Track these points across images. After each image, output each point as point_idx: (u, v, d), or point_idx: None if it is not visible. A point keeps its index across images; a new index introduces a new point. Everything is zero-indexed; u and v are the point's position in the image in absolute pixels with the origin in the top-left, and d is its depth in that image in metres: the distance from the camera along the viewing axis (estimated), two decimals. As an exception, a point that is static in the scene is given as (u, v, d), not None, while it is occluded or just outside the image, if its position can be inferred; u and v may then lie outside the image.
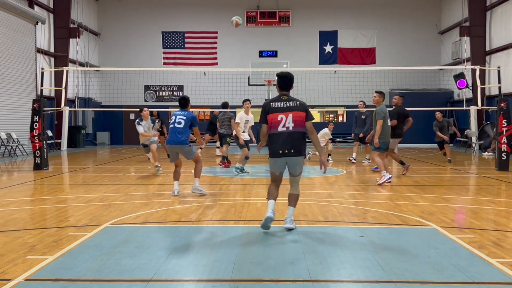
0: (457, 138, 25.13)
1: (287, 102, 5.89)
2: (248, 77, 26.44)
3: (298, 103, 5.91)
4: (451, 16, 27.30)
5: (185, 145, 8.77)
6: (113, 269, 4.44)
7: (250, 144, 12.55)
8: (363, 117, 15.44)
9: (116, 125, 28.98)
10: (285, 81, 6.04)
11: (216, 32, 28.79)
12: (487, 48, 23.56)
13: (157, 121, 15.30)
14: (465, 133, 22.88)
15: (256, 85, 26.61)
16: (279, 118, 5.82)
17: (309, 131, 5.97)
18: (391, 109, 12.21)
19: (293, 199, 6.09)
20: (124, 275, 4.28)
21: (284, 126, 5.81)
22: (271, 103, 5.92)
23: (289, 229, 5.93)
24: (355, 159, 15.74)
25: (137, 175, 12.47)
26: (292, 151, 5.82)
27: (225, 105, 14.27)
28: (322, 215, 7.03)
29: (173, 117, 8.93)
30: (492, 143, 18.85)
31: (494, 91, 20.44)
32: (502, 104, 13.36)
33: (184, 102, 9.07)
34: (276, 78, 6.09)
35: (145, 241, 5.54)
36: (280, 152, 5.83)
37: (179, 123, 8.78)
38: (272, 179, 6.12)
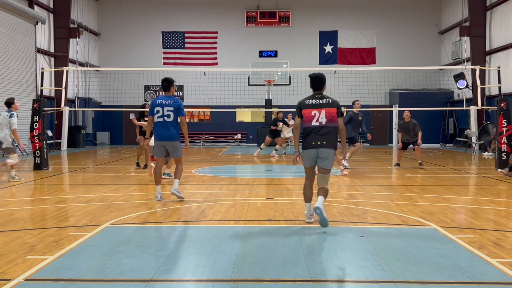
0: (457, 138, 25.23)
1: (320, 100, 6.31)
2: (248, 77, 26.48)
3: (330, 100, 6.32)
4: (451, 16, 27.30)
5: (177, 141, 8.08)
6: (113, 269, 4.43)
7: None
8: (359, 117, 14.41)
9: (116, 125, 29.00)
10: (316, 81, 6.41)
11: (216, 32, 28.80)
12: (487, 48, 23.56)
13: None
14: (465, 133, 22.89)
15: (256, 85, 26.65)
16: (312, 114, 6.25)
17: (338, 127, 6.36)
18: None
19: (323, 191, 6.22)
20: (124, 275, 4.28)
21: (317, 121, 6.23)
22: (305, 101, 6.37)
23: (319, 209, 5.90)
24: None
25: (137, 175, 12.45)
26: (324, 142, 6.21)
27: None
28: (322, 215, 7.03)
29: (159, 108, 7.95)
30: (492, 143, 18.85)
31: (494, 91, 20.44)
32: (502, 104, 13.37)
33: (167, 85, 8.08)
34: (309, 79, 6.46)
35: (145, 241, 5.54)
36: (313, 143, 6.24)
37: (168, 116, 7.95)
38: (306, 175, 6.50)
